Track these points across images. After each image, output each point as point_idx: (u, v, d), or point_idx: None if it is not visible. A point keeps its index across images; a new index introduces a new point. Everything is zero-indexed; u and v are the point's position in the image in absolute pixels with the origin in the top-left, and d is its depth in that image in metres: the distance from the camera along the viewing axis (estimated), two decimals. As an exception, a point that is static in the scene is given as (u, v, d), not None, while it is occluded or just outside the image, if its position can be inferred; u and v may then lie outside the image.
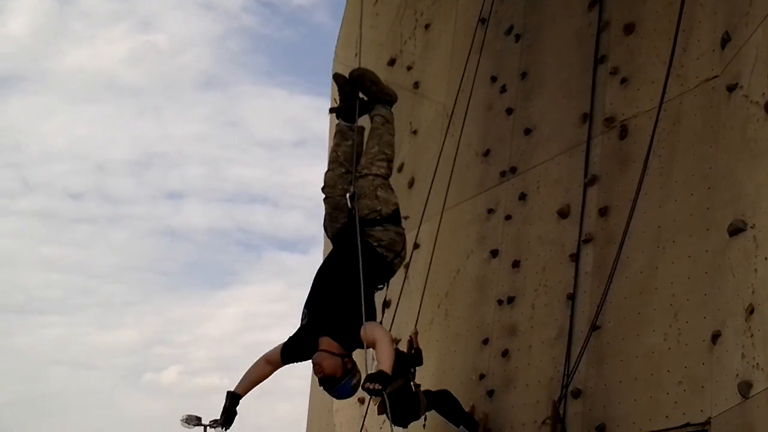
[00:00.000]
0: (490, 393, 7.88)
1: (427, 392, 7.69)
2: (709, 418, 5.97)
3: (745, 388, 5.54)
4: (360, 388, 6.08)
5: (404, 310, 8.55)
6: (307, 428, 11.00)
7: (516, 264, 7.99)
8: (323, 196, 6.93)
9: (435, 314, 8.61)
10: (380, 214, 6.58)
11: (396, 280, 9.48)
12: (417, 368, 7.69)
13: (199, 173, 51.43)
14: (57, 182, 49.97)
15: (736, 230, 5.96)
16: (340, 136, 7.10)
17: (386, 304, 9.37)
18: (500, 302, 8.03)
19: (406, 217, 7.35)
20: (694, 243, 6.44)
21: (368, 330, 6.08)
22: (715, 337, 6.00)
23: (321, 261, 11.40)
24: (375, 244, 6.50)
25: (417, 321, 8.20)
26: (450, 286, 8.69)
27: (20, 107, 46.70)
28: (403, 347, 7.76)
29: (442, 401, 7.74)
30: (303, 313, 6.44)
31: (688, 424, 6.14)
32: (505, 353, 7.84)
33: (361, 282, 6.14)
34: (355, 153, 6.92)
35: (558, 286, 7.50)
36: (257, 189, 53.85)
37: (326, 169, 7.06)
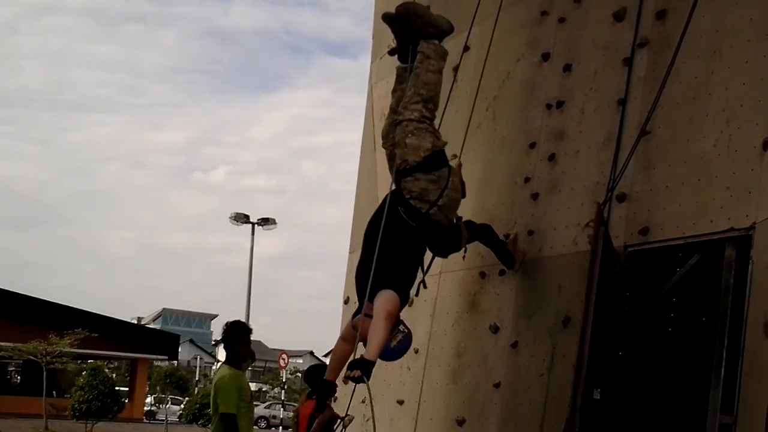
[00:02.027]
0: (535, 196, 7.97)
1: (468, 223, 7.80)
2: (754, 223, 6.03)
3: (792, 194, 5.56)
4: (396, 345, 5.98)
5: (452, 114, 8.53)
6: (352, 228, 11.26)
7: (567, 68, 7.90)
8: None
9: (482, 118, 8.60)
10: (407, 163, 6.23)
11: (445, 84, 9.50)
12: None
13: (247, -25, 50.46)
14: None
15: (796, 35, 5.82)
16: (397, 80, 6.74)
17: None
18: (549, 106, 8.00)
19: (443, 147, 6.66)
20: (752, 48, 6.30)
21: (378, 299, 5.93)
22: (766, 143, 5.98)
23: (369, 69, 11.40)
24: (408, 196, 6.20)
25: (468, 126, 8.20)
26: (499, 90, 8.64)
27: None
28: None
29: (483, 234, 7.85)
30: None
31: (732, 229, 6.22)
32: (551, 157, 7.87)
33: (378, 241, 5.96)
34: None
35: (609, 90, 7.43)
36: (306, -9, 52.80)
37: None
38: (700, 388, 6.92)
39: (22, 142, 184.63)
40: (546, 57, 8.18)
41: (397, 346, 6.00)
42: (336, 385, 6.41)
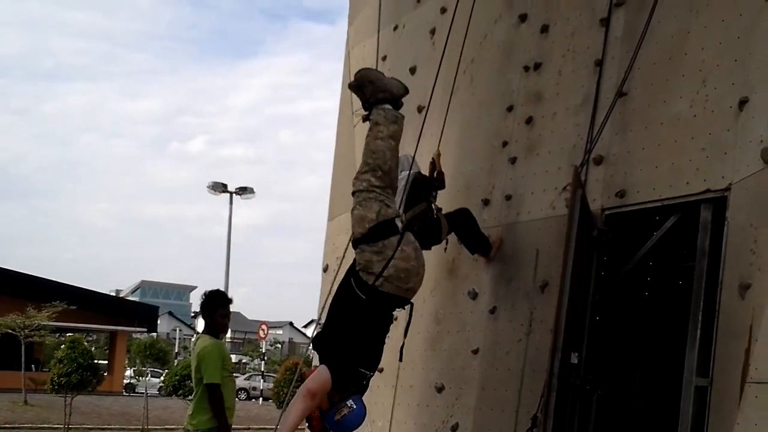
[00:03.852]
0: (513, 160, 7.93)
1: (448, 215, 7.75)
2: (730, 184, 6.01)
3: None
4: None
5: (428, 77, 8.46)
6: (330, 197, 11.20)
7: (545, 29, 7.83)
8: None
9: (460, 81, 8.52)
10: (354, 236, 6.14)
11: (423, 47, 9.40)
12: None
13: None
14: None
15: (773, -7, 5.77)
16: None
17: (412, 71, 9.32)
18: (527, 68, 7.94)
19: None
20: (729, 6, 6.25)
21: (313, 375, 5.94)
22: (742, 103, 5.94)
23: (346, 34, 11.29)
24: (357, 268, 6.06)
25: (433, 89, 8.12)
26: (476, 52, 8.56)
27: None
28: (424, 167, 7.66)
29: (461, 222, 7.81)
30: None
31: (708, 191, 6.20)
32: (529, 120, 7.82)
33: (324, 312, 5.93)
34: None
35: (586, 52, 7.37)
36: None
37: None
38: (676, 351, 6.93)
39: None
40: (523, 18, 8.10)
41: (340, 419, 5.88)
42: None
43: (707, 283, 6.21)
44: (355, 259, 6.12)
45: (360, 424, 6.13)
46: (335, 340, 6.06)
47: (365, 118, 6.46)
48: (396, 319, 6.46)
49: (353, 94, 6.67)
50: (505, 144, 8.06)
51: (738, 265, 5.87)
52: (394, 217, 6.03)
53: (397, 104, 6.35)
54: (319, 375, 5.89)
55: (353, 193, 6.19)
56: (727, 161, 6.05)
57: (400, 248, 5.92)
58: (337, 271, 8.62)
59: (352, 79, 6.51)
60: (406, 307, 6.21)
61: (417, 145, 7.13)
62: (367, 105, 6.38)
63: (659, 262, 7.79)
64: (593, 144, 7.08)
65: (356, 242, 6.11)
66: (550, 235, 7.35)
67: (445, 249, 7.99)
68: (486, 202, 8.14)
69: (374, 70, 6.73)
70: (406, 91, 6.48)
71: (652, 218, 7.11)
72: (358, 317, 5.96)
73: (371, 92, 6.33)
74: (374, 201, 6.04)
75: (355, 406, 5.86)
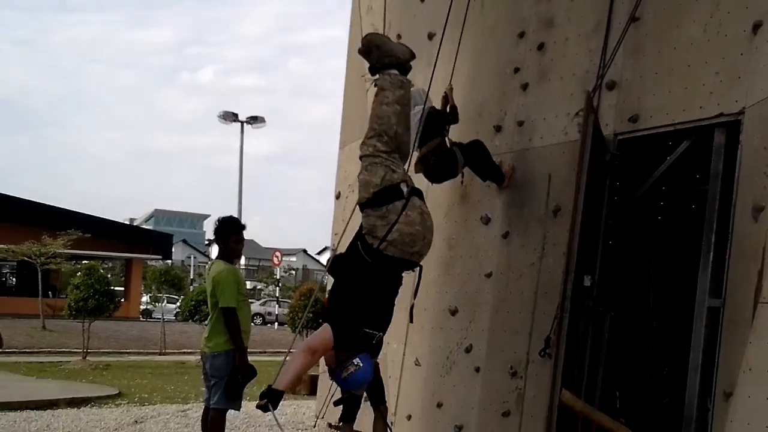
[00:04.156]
0: (525, 86, 7.94)
1: (462, 147, 7.79)
2: (744, 108, 6.02)
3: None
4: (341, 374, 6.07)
5: (439, 3, 8.40)
6: (342, 125, 11.23)
7: (556, -46, 7.76)
8: None
9: (470, 8, 8.47)
10: (359, 200, 6.18)
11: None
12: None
13: None
14: None
15: None
16: None
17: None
18: (538, -6, 7.89)
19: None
20: (744, -72, 6.18)
21: (315, 333, 6.11)
22: (756, 27, 5.93)
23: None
24: (363, 232, 6.15)
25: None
26: (487, -22, 8.50)
27: None
28: (437, 95, 7.67)
29: (474, 153, 7.84)
30: None
31: (721, 114, 6.22)
32: (540, 46, 7.81)
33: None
34: None
35: (599, -24, 7.32)
36: None
37: None
38: (689, 273, 7.02)
39: (5, 44, 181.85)
40: (535, -57, 8.02)
41: (347, 377, 6.04)
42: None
43: (720, 206, 6.27)
44: (361, 225, 6.21)
45: (367, 383, 6.35)
46: (340, 300, 6.20)
47: (376, 83, 6.51)
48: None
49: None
50: (516, 70, 8.05)
51: (751, 188, 5.92)
52: (399, 182, 6.10)
53: (404, 69, 6.37)
54: (321, 333, 6.06)
55: (360, 158, 6.25)
56: (741, 85, 6.06)
57: (404, 213, 5.99)
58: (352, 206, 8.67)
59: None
60: (415, 269, 6.34)
61: (432, 75, 7.14)
62: (374, 70, 6.42)
63: (672, 186, 7.83)
64: (606, 69, 7.08)
65: (362, 206, 6.18)
66: (562, 161, 7.40)
67: (462, 182, 8.07)
68: (498, 129, 8.17)
69: (380, 34, 6.77)
70: (413, 55, 6.48)
71: (665, 143, 7.14)
72: (363, 279, 6.08)
73: (377, 57, 6.36)
74: (380, 166, 6.10)
75: (361, 365, 6.00)
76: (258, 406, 5.87)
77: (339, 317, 6.12)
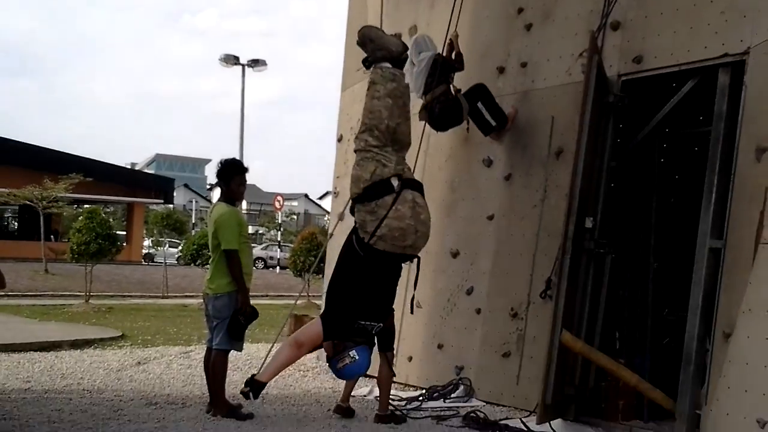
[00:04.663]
0: (528, 27, 7.86)
1: (465, 93, 7.74)
2: (749, 48, 5.98)
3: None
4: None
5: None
6: (343, 68, 11.14)
7: None
8: None
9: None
10: (351, 196, 6.26)
11: None
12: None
13: None
14: None
15: None
16: None
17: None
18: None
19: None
20: None
21: (304, 327, 6.39)
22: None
23: None
24: (356, 226, 6.27)
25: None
26: None
27: None
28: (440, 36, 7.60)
29: (478, 97, 7.78)
30: None
31: (726, 55, 6.16)
32: (545, -14, 7.71)
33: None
34: None
35: None
36: None
37: None
38: (690, 215, 7.02)
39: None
40: None
41: (342, 368, 6.27)
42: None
43: (723, 147, 6.24)
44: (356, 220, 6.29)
45: (362, 373, 6.59)
46: (336, 292, 6.33)
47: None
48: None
49: None
50: (520, 11, 7.96)
51: (755, 129, 5.89)
52: (390, 176, 6.08)
53: (397, 62, 6.43)
54: (309, 328, 6.27)
55: (355, 152, 6.31)
56: (746, 24, 6.00)
57: (394, 208, 6.03)
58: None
59: None
60: (412, 261, 6.36)
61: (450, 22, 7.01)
62: (367, 63, 6.52)
63: (675, 128, 7.79)
64: (610, 9, 7.01)
65: (353, 202, 6.27)
66: (566, 102, 7.35)
67: (467, 129, 8.03)
68: (501, 70, 8.10)
69: (375, 28, 6.83)
70: (405, 48, 6.55)
71: (669, 84, 7.09)
72: (357, 272, 6.17)
73: (371, 51, 6.46)
74: (371, 161, 6.15)
75: (357, 357, 6.20)
76: (241, 392, 6.10)
77: (334, 309, 6.20)
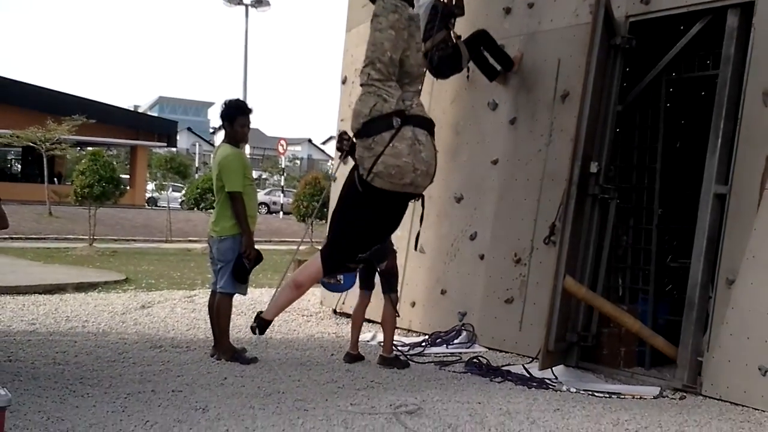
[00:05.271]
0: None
1: (466, 41, 7.60)
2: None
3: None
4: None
5: None
6: (348, 7, 11.00)
7: None
8: None
9: None
10: (352, 132, 6.13)
11: None
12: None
13: None
14: None
15: None
16: None
17: None
18: None
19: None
20: None
21: (302, 266, 6.50)
22: None
23: None
24: (356, 162, 6.14)
25: None
26: None
27: None
28: None
29: (481, 43, 7.67)
30: None
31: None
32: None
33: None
34: None
35: None
36: None
37: None
38: (695, 161, 6.96)
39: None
40: None
41: (328, 284, 6.87)
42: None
43: (730, 91, 6.17)
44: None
45: (347, 290, 7.16)
46: (336, 228, 6.32)
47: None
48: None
49: None
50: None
51: (763, 72, 5.83)
52: (390, 112, 5.98)
53: None
54: (307, 268, 6.27)
55: (360, 87, 6.19)
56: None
57: (391, 144, 5.89)
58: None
59: None
60: (417, 199, 6.31)
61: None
62: None
63: (682, 72, 7.70)
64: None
65: (354, 137, 6.18)
66: (572, 44, 7.26)
67: (468, 77, 7.94)
68: (507, 11, 8.00)
69: None
70: None
71: (677, 26, 6.99)
72: (359, 209, 6.11)
73: None
74: (372, 95, 6.02)
75: (342, 281, 6.70)
76: (251, 327, 6.25)
77: (335, 245, 6.22)
